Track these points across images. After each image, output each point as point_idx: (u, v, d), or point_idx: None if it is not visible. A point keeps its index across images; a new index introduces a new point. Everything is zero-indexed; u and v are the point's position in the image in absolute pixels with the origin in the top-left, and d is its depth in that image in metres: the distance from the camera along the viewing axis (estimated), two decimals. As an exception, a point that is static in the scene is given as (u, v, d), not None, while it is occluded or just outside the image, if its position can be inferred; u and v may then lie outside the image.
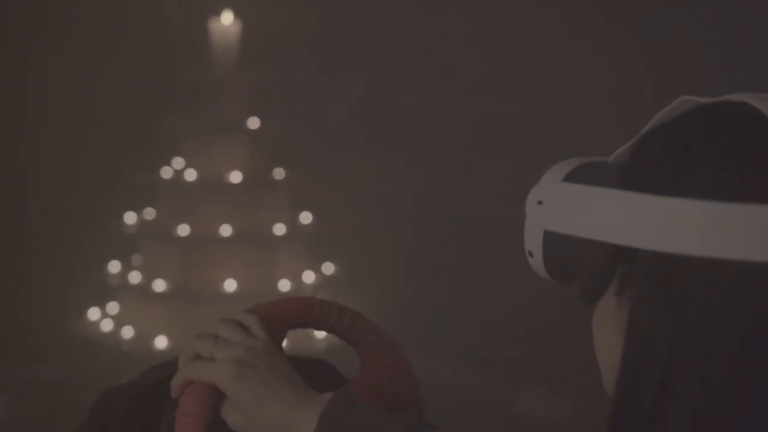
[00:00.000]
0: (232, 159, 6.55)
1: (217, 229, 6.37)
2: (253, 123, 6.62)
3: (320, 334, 6.26)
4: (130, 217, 6.64)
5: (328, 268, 6.73)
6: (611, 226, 0.98)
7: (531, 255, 1.06)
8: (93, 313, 6.53)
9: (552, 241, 1.04)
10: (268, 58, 7.04)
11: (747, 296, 0.94)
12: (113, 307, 6.54)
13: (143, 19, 7.31)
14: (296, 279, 6.50)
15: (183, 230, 6.40)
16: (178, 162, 6.63)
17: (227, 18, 6.56)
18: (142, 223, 6.64)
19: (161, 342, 6.15)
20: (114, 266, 6.61)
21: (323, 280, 6.61)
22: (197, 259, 6.32)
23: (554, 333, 6.44)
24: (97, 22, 7.30)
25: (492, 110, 7.45)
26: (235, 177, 6.49)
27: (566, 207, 1.02)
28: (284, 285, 6.39)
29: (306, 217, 6.70)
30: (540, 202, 1.04)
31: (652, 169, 0.98)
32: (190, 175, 6.52)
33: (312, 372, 1.34)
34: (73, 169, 7.29)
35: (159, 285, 6.33)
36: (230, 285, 6.25)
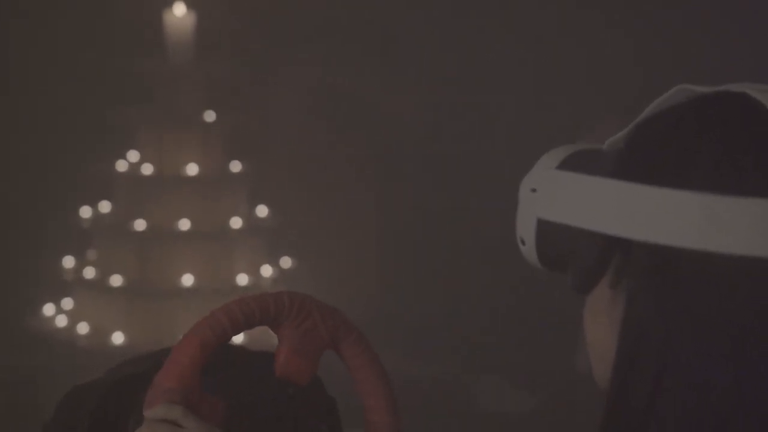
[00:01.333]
0: (189, 152, 6.50)
1: (174, 223, 6.33)
2: (209, 116, 6.58)
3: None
4: (85, 211, 6.57)
5: (286, 261, 6.71)
6: (606, 216, 0.96)
7: (523, 242, 1.04)
8: (48, 309, 6.47)
9: (545, 229, 1.02)
10: (222, 49, 7.00)
11: (743, 292, 0.92)
12: (68, 303, 6.48)
13: (97, 10, 7.24)
14: (254, 273, 6.47)
15: (139, 224, 6.35)
16: (133, 155, 6.57)
17: (180, 9, 6.51)
18: (97, 217, 6.58)
19: (118, 338, 6.11)
20: (69, 261, 6.54)
21: (281, 273, 6.59)
22: (154, 254, 6.27)
23: (517, 323, 6.46)
24: (51, 13, 7.23)
25: (453, 97, 7.44)
26: (192, 170, 6.45)
27: (560, 195, 1.00)
28: (242, 279, 6.36)
29: (262, 211, 6.67)
30: (533, 190, 1.02)
31: (649, 160, 0.96)
32: (146, 168, 6.47)
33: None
34: (27, 163, 7.21)
35: (115, 280, 6.28)
36: (188, 279, 6.21)
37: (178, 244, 6.29)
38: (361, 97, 7.54)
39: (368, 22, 7.50)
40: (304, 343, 1.29)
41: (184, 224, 6.33)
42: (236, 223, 6.47)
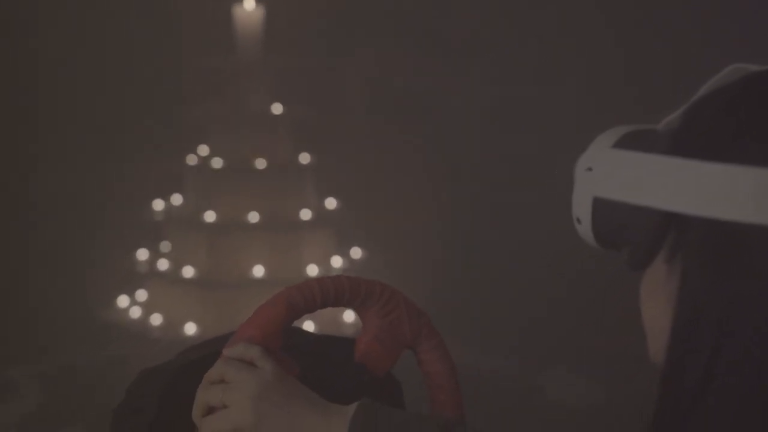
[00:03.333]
0: (257, 145, 6.55)
1: (244, 215, 6.38)
2: (277, 109, 6.62)
3: (349, 318, 6.27)
4: (157, 205, 6.66)
5: (356, 252, 6.73)
6: (662, 192, 0.97)
7: (579, 221, 1.05)
8: (122, 301, 6.55)
9: (601, 207, 1.02)
10: (290, 43, 7.04)
11: None
12: (142, 295, 6.56)
13: (167, 6, 7.31)
14: (324, 264, 6.50)
15: (210, 216, 6.41)
16: (203, 149, 6.64)
17: (249, 4, 6.56)
18: (169, 210, 6.66)
19: (190, 328, 6.17)
20: (142, 254, 6.63)
21: (351, 264, 6.61)
22: (225, 246, 6.32)
23: (584, 314, 6.43)
24: (121, 11, 7.31)
25: (512, 91, 7.42)
26: (261, 163, 6.50)
27: (616, 173, 1.01)
28: (312, 270, 6.39)
29: (331, 203, 6.69)
30: (589, 169, 1.03)
31: (705, 136, 0.97)
32: (216, 162, 6.53)
33: (349, 351, 1.34)
34: (101, 159, 7.31)
35: (187, 271, 6.34)
36: (258, 270, 6.25)
37: (249, 235, 6.33)
38: (427, 94, 7.55)
39: (431, 19, 7.51)
40: (387, 333, 1.30)
41: (254, 216, 6.38)
42: (306, 214, 6.51)
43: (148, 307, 6.46)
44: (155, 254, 6.62)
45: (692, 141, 0.97)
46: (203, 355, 1.41)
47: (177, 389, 1.38)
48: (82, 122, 7.35)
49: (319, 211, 6.62)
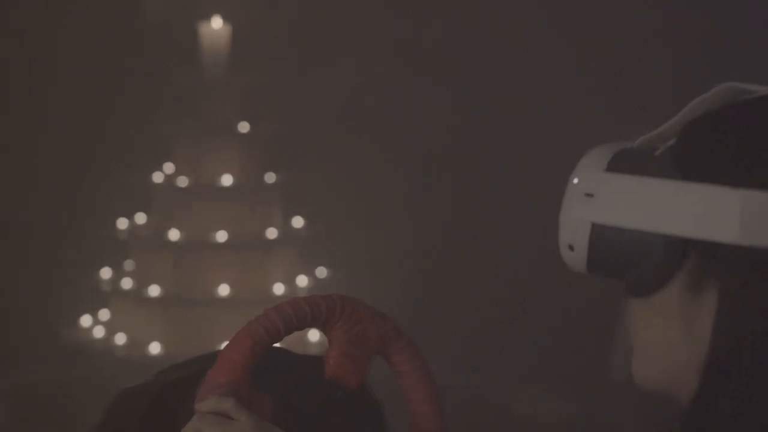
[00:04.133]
0: (224, 163, 6.54)
1: (209, 233, 6.36)
2: (244, 127, 6.61)
3: (314, 337, 6.25)
4: (121, 223, 6.62)
5: (322, 271, 6.72)
6: (682, 219, 0.95)
7: (572, 248, 1.01)
8: (85, 320, 6.51)
9: (602, 234, 0.99)
10: (257, 61, 7.03)
11: None
12: (105, 314, 6.52)
13: (132, 23, 7.29)
14: (290, 283, 6.49)
15: (175, 235, 6.38)
16: (169, 167, 6.61)
17: (216, 22, 6.55)
18: (133, 229, 6.62)
19: (155, 348, 6.14)
20: (106, 272, 6.59)
21: (317, 283, 6.60)
22: (190, 264, 6.30)
23: (552, 330, 6.44)
24: (87, 27, 7.28)
25: (484, 105, 7.45)
26: (227, 181, 6.48)
27: (623, 199, 0.98)
28: (278, 289, 6.38)
29: (298, 221, 6.69)
30: (590, 195, 1.00)
31: (720, 159, 0.95)
32: (182, 180, 6.50)
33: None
34: (64, 175, 7.26)
35: (152, 290, 6.31)
36: (224, 289, 6.23)
37: (214, 254, 6.32)
38: (395, 108, 7.56)
39: (400, 35, 7.53)
40: (354, 346, 1.30)
41: (220, 235, 6.36)
42: (272, 233, 6.50)
43: (112, 327, 6.42)
44: (119, 273, 6.58)
45: (706, 164, 0.96)
46: (184, 375, 1.40)
47: (158, 410, 1.38)
48: (43, 139, 7.30)
49: (286, 230, 6.61)
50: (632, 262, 0.98)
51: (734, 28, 6.62)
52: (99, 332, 6.43)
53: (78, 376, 6.03)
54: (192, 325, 6.05)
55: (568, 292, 5.12)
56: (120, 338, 6.29)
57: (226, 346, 1.27)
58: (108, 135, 7.22)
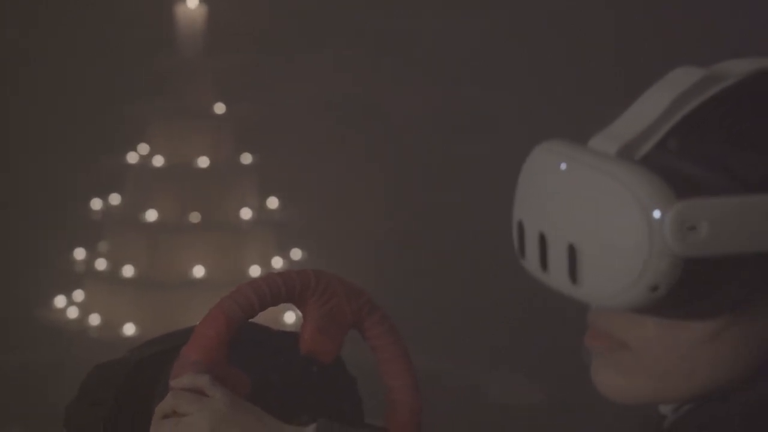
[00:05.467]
0: (199, 144, 6.52)
1: (184, 214, 6.35)
2: (220, 108, 6.59)
3: (290, 319, 6.25)
4: (95, 203, 6.59)
5: (296, 253, 6.72)
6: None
7: (655, 289, 0.93)
8: (59, 301, 6.49)
9: (696, 266, 0.93)
10: (233, 43, 7.02)
11: None
12: (79, 295, 6.50)
13: (109, 4, 7.26)
14: (265, 264, 6.48)
15: (150, 216, 6.36)
16: (143, 148, 6.59)
17: (192, 2, 6.53)
18: (108, 209, 6.60)
19: (129, 329, 6.13)
20: (80, 253, 6.57)
21: (291, 265, 6.61)
22: (165, 245, 6.29)
23: (528, 319, 6.47)
24: (61, 9, 7.25)
25: (462, 96, 7.47)
26: (203, 162, 6.47)
27: (727, 224, 0.92)
28: (254, 271, 6.38)
29: (273, 203, 6.68)
30: (693, 228, 0.92)
31: None
32: (157, 160, 6.48)
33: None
34: (38, 155, 7.24)
35: (126, 271, 6.30)
36: (199, 271, 6.23)
37: (189, 235, 6.31)
38: (370, 93, 7.56)
39: (380, 21, 7.53)
40: (328, 321, 1.30)
41: (195, 216, 6.34)
42: (247, 214, 6.49)
43: (86, 308, 6.40)
44: (93, 254, 6.56)
45: None
46: (160, 349, 1.40)
47: (132, 385, 1.37)
48: (17, 119, 7.27)
49: (261, 211, 6.60)
50: (722, 288, 0.95)
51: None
52: (73, 313, 6.41)
53: (52, 357, 6.02)
54: (166, 306, 6.04)
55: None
56: (94, 319, 6.28)
57: (201, 322, 1.27)
58: (82, 116, 7.20)
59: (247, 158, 6.62)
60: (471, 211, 7.15)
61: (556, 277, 0.97)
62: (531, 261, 0.99)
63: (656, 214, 0.91)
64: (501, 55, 7.36)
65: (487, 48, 7.40)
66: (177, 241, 6.30)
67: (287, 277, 1.29)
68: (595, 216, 0.94)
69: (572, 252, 0.95)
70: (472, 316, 6.55)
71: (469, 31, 7.44)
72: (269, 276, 1.29)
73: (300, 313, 1.34)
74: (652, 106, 0.97)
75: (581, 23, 7.24)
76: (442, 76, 7.48)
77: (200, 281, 6.19)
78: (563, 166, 0.97)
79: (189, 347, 1.25)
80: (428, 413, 1.38)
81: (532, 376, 5.97)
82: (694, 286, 0.93)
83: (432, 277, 7.04)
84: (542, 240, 0.97)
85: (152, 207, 6.37)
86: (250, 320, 1.36)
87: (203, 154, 6.48)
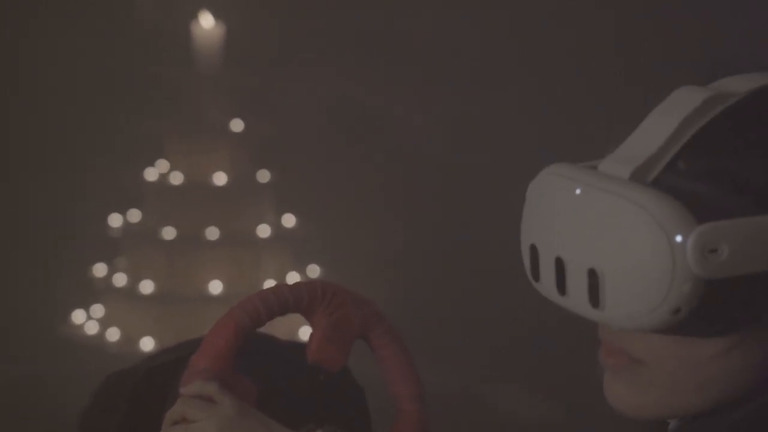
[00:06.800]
0: (216, 161, 6.56)
1: (202, 231, 6.39)
2: (237, 125, 6.64)
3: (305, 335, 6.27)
4: (114, 220, 6.64)
5: (313, 269, 6.75)
6: None
7: (678, 312, 0.95)
8: (78, 316, 6.53)
9: (719, 288, 0.94)
10: (250, 60, 7.06)
11: None
12: (98, 310, 6.54)
13: (126, 21, 7.31)
14: (282, 281, 6.51)
15: (168, 232, 6.41)
16: (162, 164, 6.64)
17: (208, 21, 6.58)
18: (126, 226, 6.65)
19: (147, 344, 6.16)
20: (99, 269, 6.61)
21: (308, 281, 6.62)
22: (183, 261, 6.33)
23: (537, 331, 6.47)
24: (79, 24, 7.30)
25: (473, 107, 7.48)
26: (220, 179, 6.51)
27: (749, 246, 0.93)
28: (270, 286, 6.40)
29: (290, 219, 6.72)
30: (714, 251, 0.93)
31: None
32: (175, 177, 6.53)
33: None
34: (58, 171, 7.29)
35: (145, 287, 6.34)
36: (216, 286, 6.26)
37: (207, 251, 6.34)
38: (386, 109, 7.59)
39: (390, 37, 7.56)
40: (336, 331, 1.33)
41: (212, 232, 6.39)
42: (264, 231, 6.53)
43: (105, 322, 6.44)
44: (112, 269, 6.60)
45: None
46: (170, 359, 1.43)
47: (144, 392, 1.40)
48: (38, 135, 7.32)
49: (278, 228, 6.64)
50: (739, 306, 0.96)
51: (734, 28, 6.65)
52: (92, 328, 6.45)
53: (71, 371, 6.05)
54: (184, 321, 6.07)
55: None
56: (113, 334, 6.32)
57: (210, 331, 1.30)
58: (102, 132, 7.24)
59: (264, 175, 6.66)
60: (492, 225, 7.15)
61: (576, 301, 0.98)
62: (546, 285, 1.01)
63: (678, 238, 0.92)
64: (516, 63, 7.38)
65: (503, 57, 7.41)
66: (195, 257, 6.34)
67: (295, 288, 1.33)
68: (616, 241, 0.95)
69: (593, 277, 0.96)
70: (482, 329, 6.55)
71: (480, 42, 7.46)
72: (277, 287, 1.33)
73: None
74: (660, 128, 0.98)
75: (589, 24, 7.24)
76: (462, 90, 7.50)
77: (217, 297, 6.22)
78: (578, 190, 0.98)
79: (198, 355, 1.28)
80: (439, 426, 1.40)
81: (542, 389, 5.96)
82: (713, 306, 0.94)
83: (447, 291, 7.04)
84: (559, 264, 0.98)
85: (170, 223, 6.42)
86: (258, 330, 1.40)
87: (221, 171, 6.52)
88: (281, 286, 1.33)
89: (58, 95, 7.34)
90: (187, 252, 6.34)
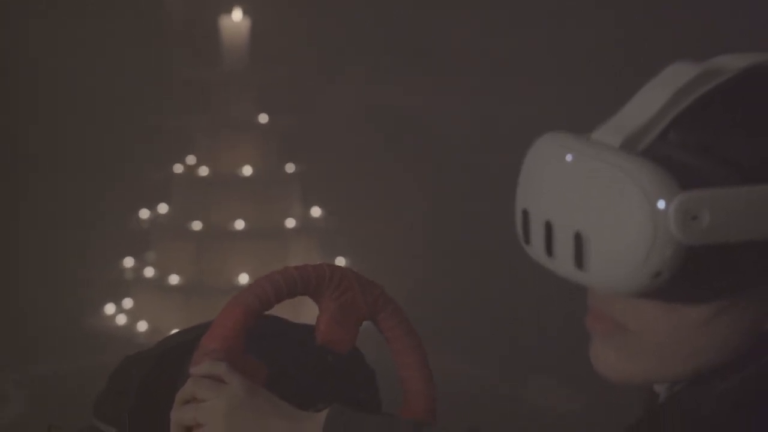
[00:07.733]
0: (244, 154, 6.60)
1: (229, 223, 6.43)
2: (264, 119, 6.68)
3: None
4: (144, 213, 6.70)
5: (339, 262, 6.77)
6: None
7: (658, 275, 0.96)
8: (108, 308, 6.60)
9: (701, 253, 0.96)
10: (276, 54, 7.09)
11: None
12: (128, 302, 6.60)
13: (154, 17, 7.36)
14: (308, 272, 6.53)
15: (196, 225, 6.46)
16: (190, 158, 6.69)
17: (236, 15, 6.62)
18: (155, 219, 6.70)
19: (176, 336, 6.19)
20: (128, 262, 6.67)
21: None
22: (211, 254, 6.38)
23: (565, 323, 6.47)
24: (107, 20, 7.36)
25: (498, 105, 7.49)
26: (247, 172, 6.55)
27: (733, 214, 0.95)
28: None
29: (316, 212, 6.75)
30: (695, 217, 0.95)
31: None
32: (203, 170, 6.58)
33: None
34: (87, 167, 7.35)
35: (173, 279, 6.39)
36: (243, 278, 6.30)
37: (234, 243, 6.39)
38: (411, 103, 7.60)
39: (415, 34, 7.57)
40: (343, 313, 1.35)
41: (240, 224, 6.43)
42: (290, 223, 6.56)
43: (134, 315, 6.50)
44: (141, 262, 6.66)
45: None
46: (182, 341, 1.46)
47: (157, 374, 1.44)
48: (68, 132, 7.38)
49: (304, 220, 6.67)
50: (722, 274, 0.98)
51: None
52: (122, 320, 6.51)
53: (101, 364, 6.09)
54: (212, 312, 5.98)
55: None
56: (142, 326, 6.38)
57: (220, 313, 1.33)
58: (131, 127, 7.30)
59: (290, 168, 6.69)
60: (513, 219, 7.15)
61: (562, 263, 1.02)
62: (536, 247, 1.05)
63: (660, 204, 0.94)
64: (548, 67, 7.38)
65: (524, 58, 7.42)
66: (222, 250, 6.38)
67: (303, 271, 1.36)
68: (602, 206, 0.98)
69: (579, 240, 0.99)
70: (510, 321, 6.55)
71: (508, 42, 7.46)
72: (286, 269, 1.36)
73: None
74: (653, 100, 1.01)
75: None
76: (481, 86, 7.51)
77: (245, 288, 6.26)
78: (569, 157, 1.02)
79: (208, 337, 1.31)
80: (464, 419, 1.41)
81: (573, 383, 5.96)
82: (694, 273, 0.96)
83: (474, 284, 7.05)
84: (548, 228, 1.02)
85: (198, 216, 6.47)
86: (267, 312, 1.43)
87: (247, 164, 6.56)
88: (289, 269, 1.35)
89: (90, 93, 7.40)
90: (214, 244, 6.39)
